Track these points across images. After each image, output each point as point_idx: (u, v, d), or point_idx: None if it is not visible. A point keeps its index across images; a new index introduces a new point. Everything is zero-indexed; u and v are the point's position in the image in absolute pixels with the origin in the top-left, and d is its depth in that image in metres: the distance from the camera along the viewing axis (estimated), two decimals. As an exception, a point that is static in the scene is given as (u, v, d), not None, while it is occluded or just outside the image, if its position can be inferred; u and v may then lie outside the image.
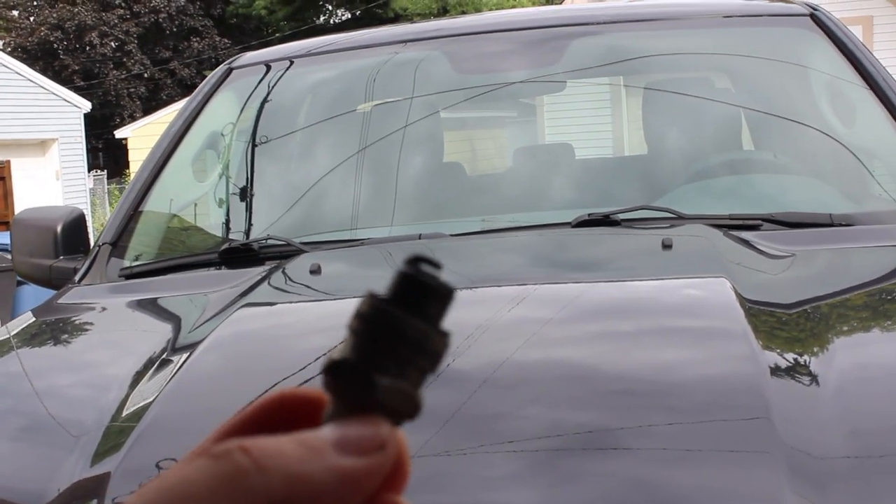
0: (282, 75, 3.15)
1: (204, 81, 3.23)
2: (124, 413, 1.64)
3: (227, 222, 2.95)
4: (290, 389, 0.43)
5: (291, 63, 3.16)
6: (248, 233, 2.79)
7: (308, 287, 2.21)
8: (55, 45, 37.07)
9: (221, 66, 3.28)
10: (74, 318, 2.41)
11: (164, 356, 1.85)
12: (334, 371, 0.41)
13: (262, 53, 3.31)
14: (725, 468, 1.27)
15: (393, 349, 0.40)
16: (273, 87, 3.15)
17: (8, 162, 21.21)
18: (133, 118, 34.33)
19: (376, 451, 0.40)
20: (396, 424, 0.42)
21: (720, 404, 1.40)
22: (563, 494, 1.21)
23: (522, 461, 1.28)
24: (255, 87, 3.15)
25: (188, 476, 0.37)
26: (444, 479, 1.22)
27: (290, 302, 2.18)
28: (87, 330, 2.35)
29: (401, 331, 0.40)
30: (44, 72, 29.99)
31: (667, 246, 2.11)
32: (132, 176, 3.02)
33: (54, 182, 23.23)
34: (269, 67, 3.17)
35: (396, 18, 33.10)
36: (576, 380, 1.50)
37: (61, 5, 37.07)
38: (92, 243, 2.87)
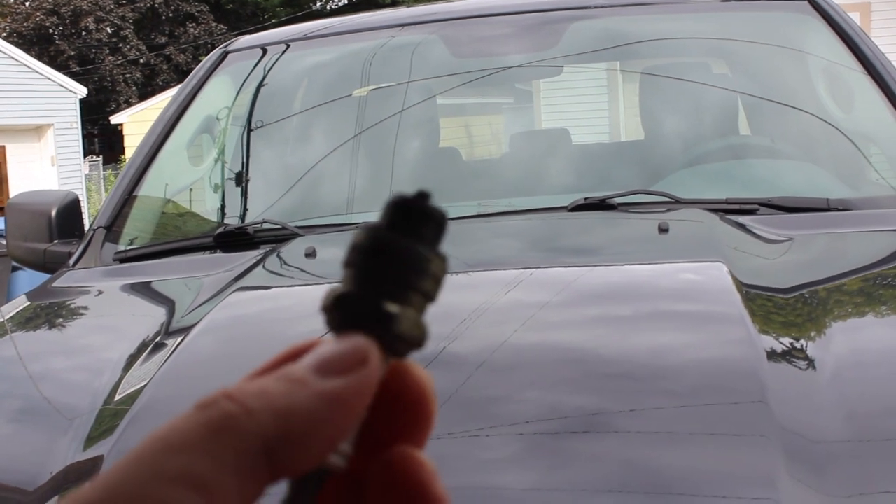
0: (277, 59, 3.14)
1: (199, 65, 3.21)
2: (118, 396, 1.63)
3: (223, 206, 2.95)
4: (306, 340, 0.42)
5: (287, 47, 3.15)
6: (243, 217, 2.78)
7: (303, 271, 2.20)
8: (51, 31, 36.99)
9: (217, 49, 3.26)
10: (69, 302, 2.40)
11: (158, 340, 1.84)
12: (339, 305, 0.40)
13: (258, 37, 3.29)
14: (722, 451, 1.26)
15: (395, 275, 0.39)
16: (269, 70, 3.13)
17: (3, 147, 21.19)
18: (129, 104, 34.30)
19: (359, 367, 0.39)
20: (405, 354, 0.40)
21: (717, 388, 1.39)
22: (560, 477, 1.21)
23: (519, 444, 1.27)
24: (251, 71, 3.14)
25: (178, 426, 0.36)
26: (441, 462, 1.21)
27: (285, 286, 2.17)
28: (81, 314, 2.35)
29: (400, 255, 0.39)
30: (39, 57, 29.96)
31: (663, 230, 2.11)
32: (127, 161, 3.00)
33: (50, 168, 23.21)
34: (264, 51, 3.15)
35: (394, 4, 33.03)
36: (572, 363, 1.50)
37: (57, -10, 36.99)
38: (87, 228, 2.86)
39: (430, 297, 0.40)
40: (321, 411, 0.37)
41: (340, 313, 0.40)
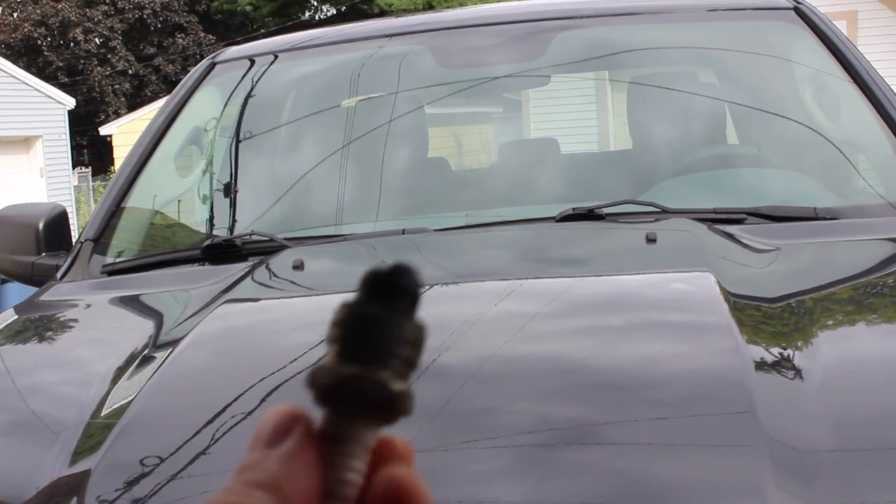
0: (265, 70, 3.14)
1: (187, 76, 3.21)
2: (105, 410, 1.62)
3: (211, 218, 2.94)
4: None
5: (275, 57, 3.15)
6: (231, 228, 2.78)
7: (291, 282, 2.20)
8: (39, 42, 36.94)
9: (204, 60, 3.26)
10: (56, 315, 2.40)
11: (146, 352, 1.84)
12: (339, 382, 0.41)
13: (246, 48, 3.29)
14: (710, 462, 1.26)
15: (377, 345, 0.40)
16: (257, 81, 3.13)
17: (-9, 159, 21.13)
18: (118, 115, 34.25)
19: (295, 426, 0.45)
20: (392, 422, 0.43)
21: (704, 398, 1.39)
22: (550, 488, 1.21)
23: (510, 456, 1.27)
24: (239, 82, 3.13)
25: None
26: (431, 474, 1.21)
27: (274, 298, 2.17)
28: (69, 327, 2.34)
29: (381, 326, 0.40)
30: (27, 68, 29.91)
31: (651, 240, 2.11)
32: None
33: (38, 179, 23.15)
34: (252, 62, 3.15)
35: (382, 14, 33.07)
36: (562, 374, 1.50)
37: (45, 1, 36.94)
38: (75, 240, 2.85)
39: (412, 364, 0.42)
40: (291, 469, 0.43)
41: (334, 389, 0.42)
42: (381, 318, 0.40)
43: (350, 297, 0.41)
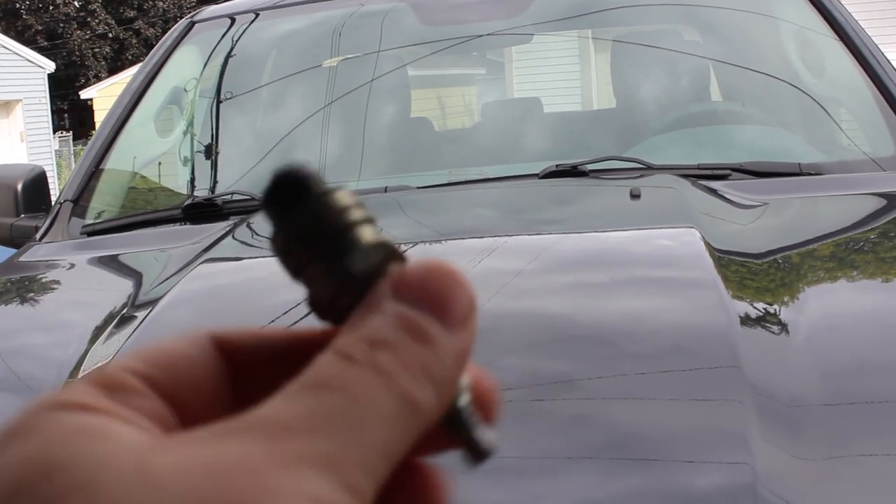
0: (245, 29, 3.11)
1: (165, 35, 3.18)
2: (83, 370, 1.61)
3: (191, 178, 2.92)
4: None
5: (256, 16, 3.12)
6: (212, 188, 2.76)
7: None
8: (17, 5, 36.61)
9: (184, 19, 3.23)
10: (36, 276, 2.38)
11: (125, 312, 1.82)
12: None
13: (226, 6, 3.25)
14: (696, 416, 1.25)
15: (323, 237, 0.36)
16: (237, 40, 3.10)
17: (-29, 124, 20.99)
18: (98, 78, 34.05)
19: (472, 312, 0.36)
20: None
21: (690, 353, 1.39)
22: (535, 444, 1.20)
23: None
24: (219, 41, 3.10)
25: (367, 400, 0.32)
26: None
27: (255, 257, 2.15)
28: (48, 288, 2.32)
29: (309, 221, 0.36)
30: (6, 32, 29.67)
31: (635, 196, 2.10)
32: (96, 134, 2.97)
33: (19, 144, 23.01)
34: (232, 21, 3.12)
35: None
36: (548, 330, 1.49)
37: (23, -36, 36.60)
38: (54, 201, 2.83)
39: (368, 220, 0.37)
40: (454, 370, 0.35)
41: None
42: (310, 211, 0.36)
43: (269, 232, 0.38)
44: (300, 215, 0.36)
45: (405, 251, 0.37)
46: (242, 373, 0.38)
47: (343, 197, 0.37)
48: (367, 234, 0.37)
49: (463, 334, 0.35)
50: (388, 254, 0.37)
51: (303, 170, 0.37)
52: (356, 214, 0.37)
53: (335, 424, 0.31)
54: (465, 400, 0.36)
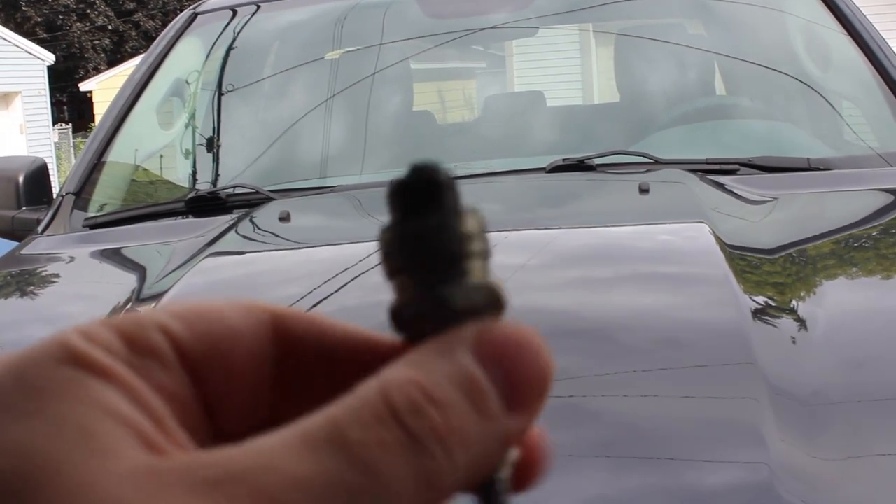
0: (248, 20, 3.09)
1: (168, 27, 3.16)
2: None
3: (194, 171, 2.90)
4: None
5: (258, 7, 3.10)
6: (215, 181, 2.74)
7: (277, 235, 2.17)
8: (17, -3, 36.55)
9: (186, 11, 3.21)
10: (38, 269, 2.36)
11: (128, 306, 1.80)
12: (401, 316, 0.34)
13: None
14: (711, 414, 1.24)
15: (435, 256, 0.34)
16: (239, 32, 3.08)
17: (-30, 115, 20.97)
18: (97, 71, 34.01)
19: (542, 397, 0.31)
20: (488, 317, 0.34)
21: (703, 350, 1.37)
22: (549, 438, 1.18)
23: None
24: (221, 33, 3.08)
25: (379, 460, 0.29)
26: None
27: (259, 250, 2.13)
28: (51, 281, 2.30)
29: (429, 234, 0.34)
30: (5, 23, 29.63)
31: (644, 191, 2.08)
32: (97, 127, 2.95)
33: (18, 136, 22.98)
34: (235, 12, 3.10)
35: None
36: (555, 326, 1.47)
37: (22, -44, 36.54)
38: (55, 194, 2.81)
39: (485, 254, 0.35)
40: (498, 452, 0.31)
41: (403, 324, 0.34)
42: (422, 225, 0.34)
43: (385, 220, 0.35)
44: (423, 222, 0.34)
45: (507, 301, 0.34)
46: (292, 364, 0.34)
47: (472, 221, 0.34)
48: (477, 269, 0.34)
49: (522, 419, 0.31)
50: (490, 299, 0.34)
51: (445, 174, 0.34)
52: (477, 245, 0.34)
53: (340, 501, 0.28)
54: (505, 473, 0.32)
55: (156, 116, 3.07)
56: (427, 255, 0.34)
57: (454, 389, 0.30)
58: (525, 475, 0.33)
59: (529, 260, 1.74)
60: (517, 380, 0.31)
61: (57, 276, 2.34)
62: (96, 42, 38.12)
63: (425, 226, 0.34)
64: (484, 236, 0.35)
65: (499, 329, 0.32)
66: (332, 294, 1.55)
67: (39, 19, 36.80)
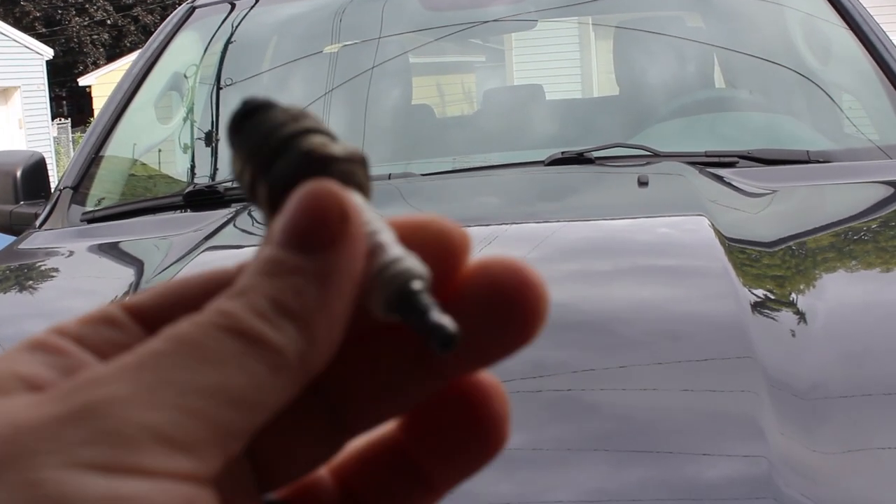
0: (246, 14, 3.08)
1: (166, 21, 3.15)
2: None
3: (192, 165, 2.90)
4: (437, 218, 0.34)
5: (256, 1, 3.09)
6: (213, 175, 2.74)
7: None
8: (16, -8, 36.51)
9: (184, 4, 3.20)
10: (36, 264, 2.35)
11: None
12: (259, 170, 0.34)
13: None
14: (709, 408, 1.24)
15: (259, 147, 0.34)
16: (237, 26, 3.07)
17: (-31, 110, 20.95)
18: (97, 65, 33.98)
19: (343, 224, 0.31)
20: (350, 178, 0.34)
21: (702, 343, 1.37)
22: (547, 435, 1.18)
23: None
24: (219, 27, 3.08)
25: (200, 339, 0.30)
26: None
27: (257, 244, 2.13)
28: (49, 275, 2.30)
29: (249, 132, 0.34)
30: (4, 18, 29.58)
31: (643, 183, 2.08)
32: (95, 121, 2.95)
33: (17, 131, 22.97)
34: (233, 6, 3.09)
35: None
36: (554, 319, 1.46)
37: (21, -49, 36.50)
38: (53, 188, 2.81)
39: (310, 130, 0.34)
40: (330, 300, 0.31)
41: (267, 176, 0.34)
42: (251, 131, 0.34)
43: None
44: (243, 134, 0.34)
45: (333, 156, 0.33)
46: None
47: (283, 110, 0.34)
48: (302, 143, 0.34)
49: (331, 254, 0.31)
50: (305, 165, 0.33)
51: (262, 98, 0.35)
52: (293, 126, 0.34)
53: (143, 370, 0.29)
54: (417, 286, 0.32)
55: (154, 111, 3.07)
56: (253, 154, 0.34)
57: (254, 276, 0.31)
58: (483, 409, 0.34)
59: (528, 253, 1.74)
60: (303, 230, 0.31)
61: (55, 270, 2.34)
62: (95, 37, 38.08)
63: (245, 133, 0.34)
64: (305, 117, 0.35)
65: (288, 202, 0.32)
66: None
67: (38, 14, 36.75)
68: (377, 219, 0.33)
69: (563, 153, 2.32)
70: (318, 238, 0.31)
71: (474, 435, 0.34)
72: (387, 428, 0.36)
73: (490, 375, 0.35)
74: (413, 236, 0.34)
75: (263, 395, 0.29)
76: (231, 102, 3.00)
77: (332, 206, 0.31)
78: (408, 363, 0.34)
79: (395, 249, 0.33)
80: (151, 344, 0.29)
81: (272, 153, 0.34)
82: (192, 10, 3.12)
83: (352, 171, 0.34)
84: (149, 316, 0.33)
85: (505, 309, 0.34)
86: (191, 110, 3.07)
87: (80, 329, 0.32)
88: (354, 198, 0.33)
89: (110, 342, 0.32)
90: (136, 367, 0.29)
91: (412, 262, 0.33)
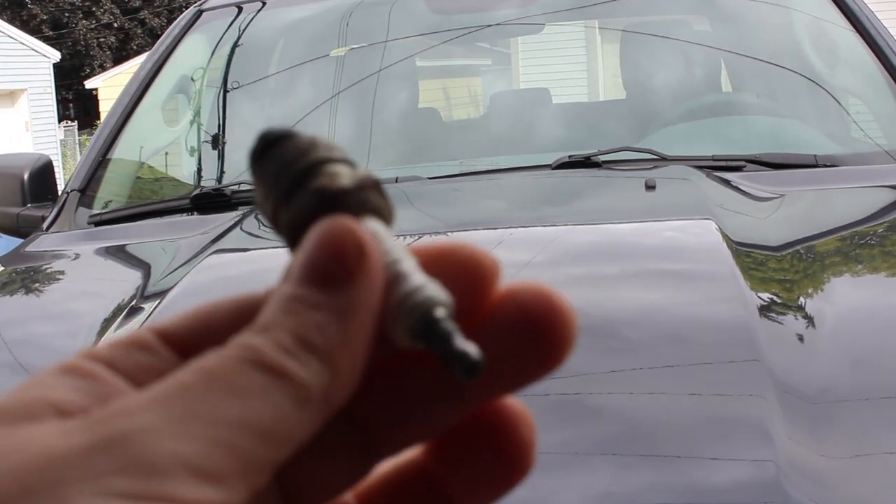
0: (253, 17, 3.08)
1: (173, 24, 3.15)
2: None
3: (199, 168, 2.90)
4: (465, 244, 0.35)
5: (263, 4, 3.09)
6: (220, 178, 2.74)
7: None
8: (23, -5, 36.57)
9: (191, 7, 3.20)
10: (43, 266, 2.36)
11: (133, 303, 1.80)
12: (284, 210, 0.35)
13: None
14: (717, 412, 1.23)
15: (279, 179, 0.35)
16: (244, 29, 3.08)
17: (-24, 113, 20.98)
18: (103, 68, 34.01)
19: (360, 260, 0.32)
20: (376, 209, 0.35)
21: (709, 347, 1.36)
22: (554, 439, 1.18)
23: None
24: (226, 30, 3.08)
25: (226, 372, 0.30)
26: None
27: (264, 247, 2.13)
28: (56, 278, 2.30)
29: (270, 165, 0.35)
30: (11, 21, 29.63)
31: (650, 187, 2.07)
32: (102, 124, 2.95)
33: (24, 133, 23.00)
34: (240, 9, 3.10)
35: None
36: None
37: (28, -46, 36.56)
38: (60, 191, 2.81)
39: (329, 160, 0.35)
40: (351, 334, 0.31)
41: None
42: (271, 162, 0.35)
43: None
44: (263, 166, 0.35)
45: (343, 189, 0.34)
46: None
47: (298, 141, 0.35)
48: (313, 181, 0.34)
49: (350, 289, 0.32)
50: (318, 203, 0.34)
51: (279, 129, 0.35)
52: (306, 159, 0.35)
53: (172, 401, 0.29)
54: (440, 313, 0.32)
55: (161, 113, 3.07)
56: (272, 186, 0.35)
57: (276, 314, 0.32)
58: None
59: (535, 257, 1.74)
60: (322, 268, 0.32)
61: (62, 273, 2.34)
62: (102, 39, 38.13)
63: (266, 164, 0.35)
64: (321, 147, 0.35)
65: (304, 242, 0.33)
66: None
67: (45, 17, 36.81)
68: (398, 247, 0.34)
69: (570, 157, 2.32)
70: (337, 274, 0.32)
71: (500, 461, 0.35)
72: (413, 452, 0.36)
73: (517, 402, 0.35)
74: (442, 263, 0.34)
75: (288, 428, 0.30)
76: (238, 105, 3.00)
77: (348, 242, 0.32)
78: (434, 389, 0.34)
79: (416, 277, 0.33)
80: (179, 375, 0.30)
81: (289, 187, 0.34)
82: (199, 13, 3.12)
83: (364, 198, 0.34)
84: (180, 340, 0.33)
85: (533, 335, 0.34)
86: (198, 113, 3.08)
87: (111, 353, 0.32)
88: (372, 226, 0.33)
89: (142, 367, 0.32)
90: (165, 398, 0.29)
91: (434, 290, 0.33)
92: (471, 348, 0.32)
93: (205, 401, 0.29)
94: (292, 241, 0.34)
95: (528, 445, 0.35)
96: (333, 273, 0.32)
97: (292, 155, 0.35)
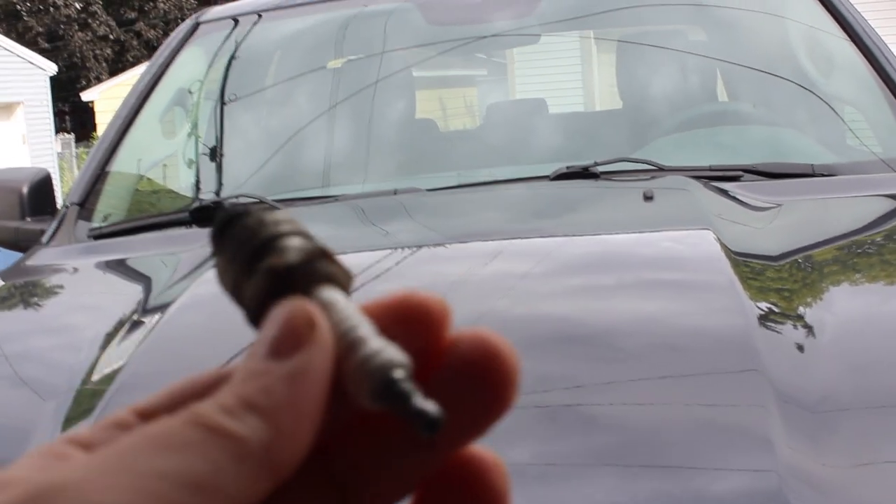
0: (250, 30, 3.09)
1: (171, 37, 3.16)
2: (95, 375, 1.59)
3: (197, 181, 2.90)
4: (414, 293, 0.37)
5: (260, 17, 3.10)
6: (218, 191, 2.74)
7: None
8: (18, 7, 36.60)
9: (188, 20, 3.21)
10: (43, 280, 2.36)
11: (135, 317, 1.80)
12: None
13: (230, 7, 3.24)
14: (718, 422, 1.24)
15: (239, 254, 0.37)
16: (241, 41, 3.08)
17: (-28, 126, 20.96)
18: (99, 80, 34.04)
19: (310, 333, 0.34)
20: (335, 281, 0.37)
21: (709, 357, 1.37)
22: (555, 450, 1.18)
23: (510, 418, 1.24)
24: (223, 42, 3.09)
25: (166, 429, 0.32)
26: None
27: None
28: (56, 292, 2.30)
29: (230, 240, 0.38)
30: (7, 34, 29.65)
31: (648, 198, 2.08)
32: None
33: (21, 146, 23.00)
34: (237, 22, 3.10)
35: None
36: (559, 334, 1.47)
37: (24, -34, 36.57)
38: (59, 206, 2.81)
39: (286, 234, 0.37)
40: (297, 396, 0.33)
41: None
42: (229, 240, 0.38)
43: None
44: (223, 243, 0.38)
45: (291, 266, 0.36)
46: None
47: (254, 220, 0.37)
48: (264, 262, 0.37)
49: (299, 355, 0.34)
50: (270, 285, 0.36)
51: (236, 208, 0.38)
52: (261, 235, 0.37)
53: (108, 458, 0.31)
54: (398, 374, 0.34)
55: (159, 126, 3.07)
56: (230, 262, 0.37)
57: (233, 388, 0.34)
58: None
59: (533, 268, 1.74)
60: (272, 341, 0.34)
61: (61, 287, 2.34)
62: (98, 52, 38.14)
63: (224, 242, 0.38)
64: (272, 222, 0.37)
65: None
66: None
67: (41, 29, 36.83)
68: (355, 312, 0.36)
69: (568, 168, 2.32)
70: (288, 345, 0.34)
71: None
72: None
73: (490, 452, 0.37)
74: (392, 315, 0.36)
75: (225, 481, 0.31)
76: (236, 117, 3.01)
77: (298, 317, 0.34)
78: (405, 442, 0.36)
79: (374, 342, 0.35)
80: (125, 437, 0.32)
81: (244, 268, 0.37)
82: (196, 25, 3.13)
83: (313, 270, 0.37)
84: (159, 416, 0.34)
85: (478, 383, 0.36)
86: (195, 126, 3.08)
87: (92, 435, 0.34)
88: (326, 295, 0.36)
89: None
90: (105, 456, 0.31)
91: (392, 353, 0.35)
92: (430, 406, 0.34)
93: (141, 456, 0.31)
94: (254, 317, 0.36)
95: (503, 494, 0.37)
96: (284, 344, 0.34)
97: (246, 234, 0.37)
